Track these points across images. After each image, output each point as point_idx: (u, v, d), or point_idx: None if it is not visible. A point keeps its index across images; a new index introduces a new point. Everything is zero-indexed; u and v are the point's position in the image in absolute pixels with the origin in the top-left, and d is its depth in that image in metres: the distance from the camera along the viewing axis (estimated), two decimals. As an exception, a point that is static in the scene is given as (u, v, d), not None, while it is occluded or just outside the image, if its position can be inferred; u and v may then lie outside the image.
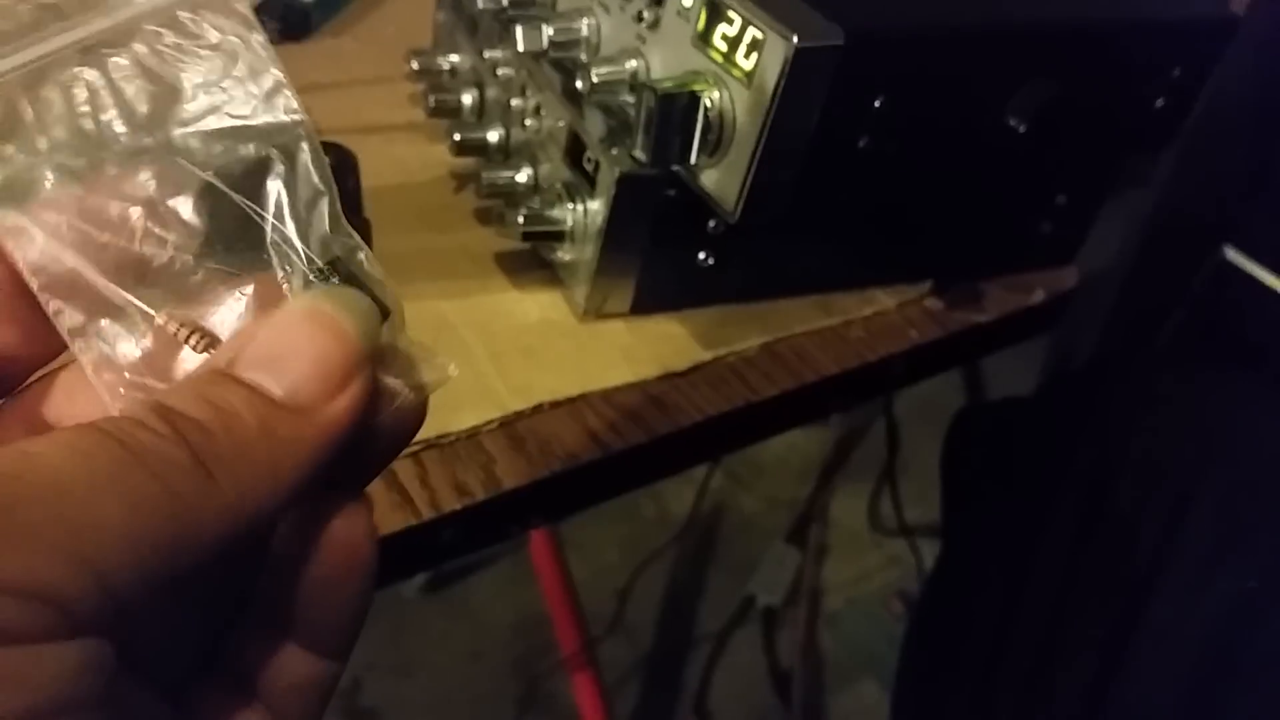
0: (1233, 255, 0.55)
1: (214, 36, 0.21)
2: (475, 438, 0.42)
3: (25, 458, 0.16)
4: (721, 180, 0.40)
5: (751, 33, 0.37)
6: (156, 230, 0.20)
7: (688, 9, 0.40)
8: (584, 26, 0.46)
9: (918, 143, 0.43)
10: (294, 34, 0.63)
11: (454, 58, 0.56)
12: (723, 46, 0.39)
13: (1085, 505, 0.55)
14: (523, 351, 0.46)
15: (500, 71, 0.52)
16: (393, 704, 1.14)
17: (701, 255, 0.48)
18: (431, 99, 0.54)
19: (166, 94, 0.20)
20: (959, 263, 0.55)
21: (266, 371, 0.18)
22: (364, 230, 0.45)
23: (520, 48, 0.46)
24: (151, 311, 0.20)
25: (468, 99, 0.54)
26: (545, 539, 1.06)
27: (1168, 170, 0.54)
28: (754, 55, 0.37)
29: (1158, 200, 0.55)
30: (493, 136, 0.51)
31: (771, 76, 0.37)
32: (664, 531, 1.32)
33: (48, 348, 0.21)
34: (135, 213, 0.20)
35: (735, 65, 0.38)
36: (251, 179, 0.20)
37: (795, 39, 0.36)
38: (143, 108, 0.20)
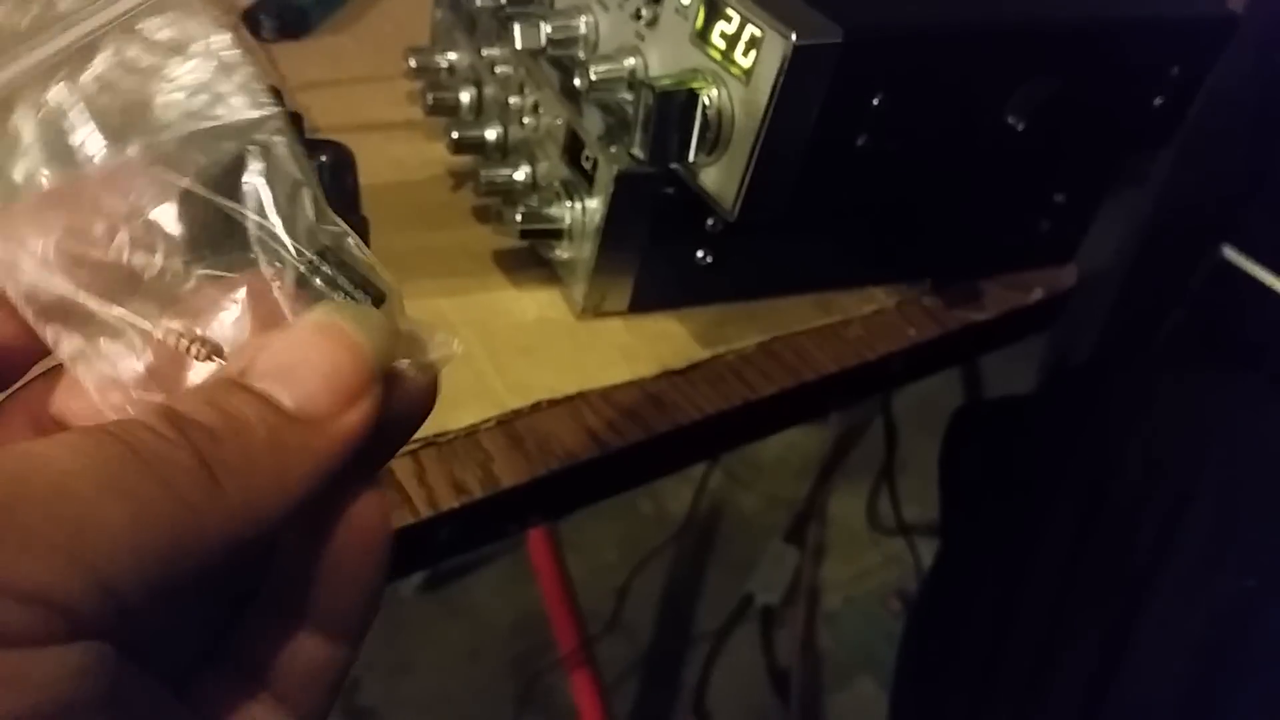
0: (1231, 254, 0.55)
1: (178, 41, 0.21)
2: (473, 436, 0.42)
3: (30, 459, 0.16)
4: (720, 178, 0.40)
5: (750, 30, 0.37)
6: (143, 243, 0.20)
7: (686, 7, 0.40)
8: (582, 24, 0.46)
9: (916, 141, 0.43)
10: (292, 32, 0.63)
11: (452, 55, 0.56)
12: (721, 44, 0.39)
13: (1084, 504, 0.55)
14: (521, 350, 0.46)
15: (498, 69, 0.52)
16: (391, 703, 1.14)
17: (700, 253, 0.48)
18: (429, 97, 0.54)
19: (137, 105, 0.20)
20: (958, 261, 0.55)
21: (278, 381, 0.18)
22: (362, 228, 0.45)
23: (518, 45, 0.46)
24: (148, 326, 0.20)
25: (466, 97, 0.54)
26: (543, 537, 1.06)
27: (1166, 169, 0.54)
28: (752, 53, 0.37)
29: (1157, 199, 0.55)
30: (491, 134, 0.51)
31: (770, 74, 0.37)
32: (662, 530, 1.32)
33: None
34: (120, 228, 0.20)
35: (734, 63, 0.38)
36: (231, 178, 0.20)
37: (794, 37, 0.36)
38: (115, 121, 0.20)
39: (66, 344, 0.20)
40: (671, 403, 0.45)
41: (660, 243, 0.46)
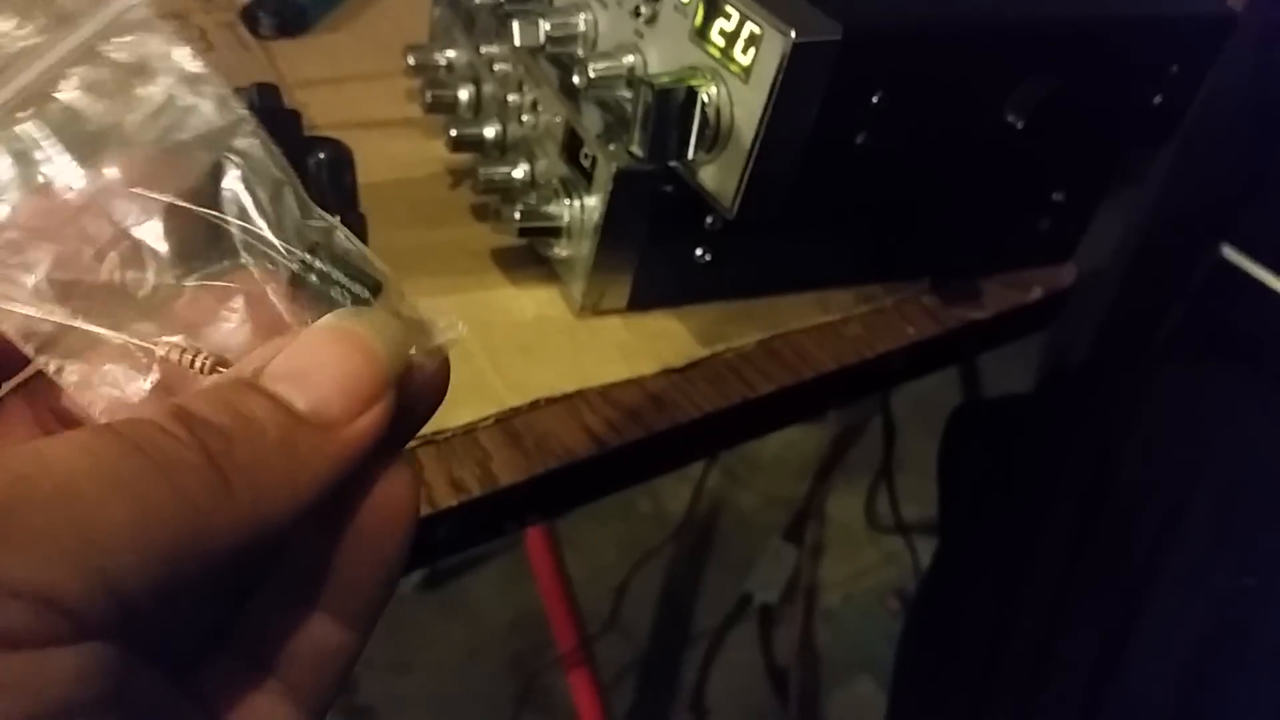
0: (1230, 253, 0.55)
1: (141, 61, 0.21)
2: (472, 434, 0.42)
3: (38, 459, 0.16)
4: (719, 176, 0.40)
5: (749, 28, 0.37)
6: (133, 263, 0.20)
7: (685, 4, 0.40)
8: (581, 21, 0.46)
9: (916, 139, 0.43)
10: (290, 30, 0.63)
11: (451, 53, 0.56)
12: (720, 41, 0.39)
13: (1082, 502, 0.55)
14: (520, 348, 0.46)
15: (497, 67, 0.51)
16: (390, 701, 1.14)
17: (699, 251, 0.48)
18: (428, 94, 0.54)
19: (109, 129, 0.20)
20: (957, 260, 0.55)
21: (292, 384, 0.18)
22: (360, 226, 0.44)
23: (517, 43, 0.46)
24: (149, 345, 0.20)
25: (464, 94, 0.53)
26: (542, 536, 1.06)
27: (1165, 168, 0.54)
28: (752, 50, 0.37)
29: (1155, 198, 0.55)
30: (489, 132, 0.51)
31: (769, 72, 0.37)
32: (661, 529, 1.32)
33: None
34: (108, 251, 0.20)
35: (733, 60, 0.38)
36: (211, 188, 0.20)
37: (793, 34, 0.36)
38: (88, 147, 0.20)
39: (69, 373, 0.20)
40: (670, 401, 0.45)
41: (659, 241, 0.46)
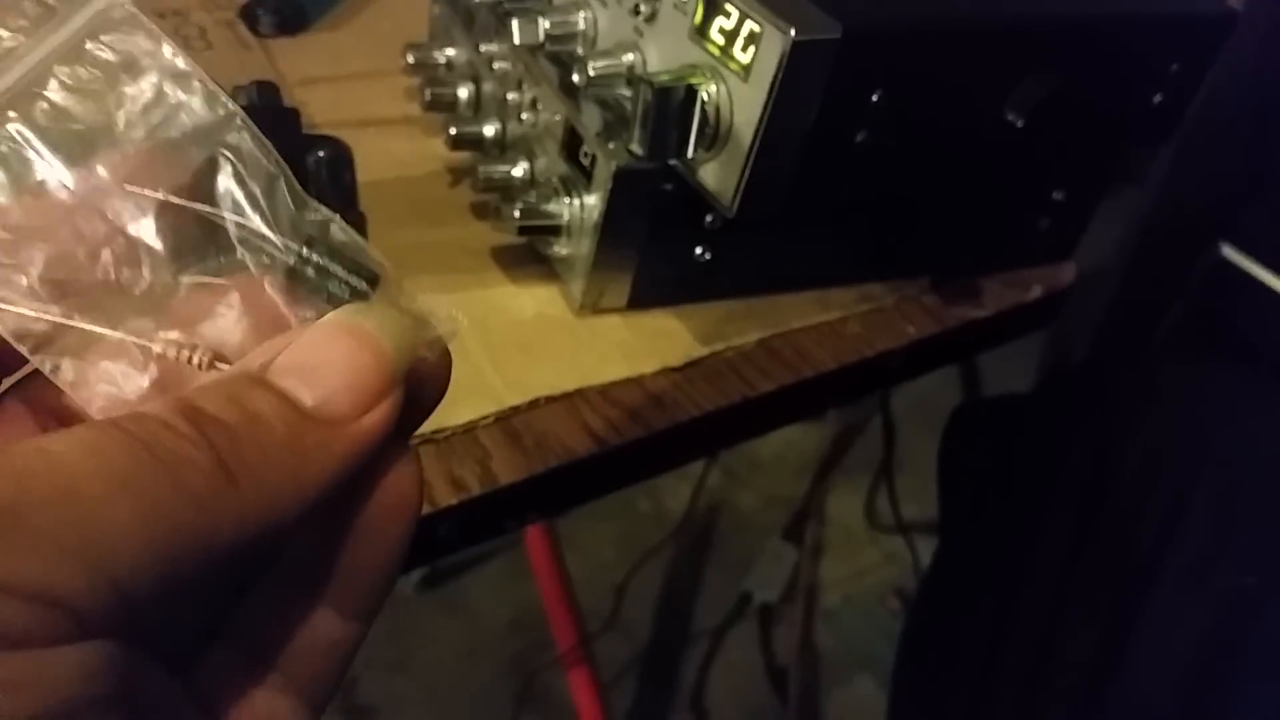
0: (1230, 253, 0.55)
1: (127, 59, 0.20)
2: (471, 433, 0.42)
3: (41, 456, 0.16)
4: (719, 174, 0.40)
5: (749, 26, 0.37)
6: (128, 260, 0.20)
7: (684, 2, 0.40)
8: (580, 20, 0.46)
9: (916, 137, 0.43)
10: (290, 28, 0.63)
11: (450, 51, 0.56)
12: (720, 40, 0.38)
13: (1082, 501, 0.55)
14: (519, 346, 0.46)
15: (496, 65, 0.51)
16: (389, 701, 1.14)
17: (699, 250, 0.48)
18: (427, 93, 0.54)
19: (98, 129, 0.20)
20: (957, 258, 0.55)
21: (300, 380, 0.18)
22: (360, 224, 0.44)
23: (516, 41, 0.46)
24: (147, 343, 0.20)
25: (464, 93, 0.53)
26: (542, 535, 1.06)
27: (1165, 167, 0.54)
28: (751, 48, 0.37)
29: (1155, 197, 0.55)
30: (489, 130, 0.51)
31: (769, 70, 0.37)
32: (661, 528, 1.32)
33: None
34: (103, 249, 0.20)
35: (732, 58, 0.38)
36: (205, 184, 0.20)
37: (793, 32, 0.36)
38: (78, 147, 0.20)
39: (66, 371, 0.20)
40: (670, 400, 0.45)
41: (659, 239, 0.46)
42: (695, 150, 0.40)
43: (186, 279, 0.20)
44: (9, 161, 0.20)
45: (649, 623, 1.26)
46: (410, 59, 0.56)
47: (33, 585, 0.15)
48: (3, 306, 0.19)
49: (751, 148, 0.38)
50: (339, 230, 0.21)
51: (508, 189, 0.49)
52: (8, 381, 0.21)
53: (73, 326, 0.20)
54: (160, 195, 0.20)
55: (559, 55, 0.48)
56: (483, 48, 0.52)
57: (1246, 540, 0.50)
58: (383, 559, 0.20)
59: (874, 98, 0.40)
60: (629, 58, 0.43)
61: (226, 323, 0.20)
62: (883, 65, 0.39)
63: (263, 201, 0.20)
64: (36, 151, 0.20)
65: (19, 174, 0.20)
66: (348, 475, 0.19)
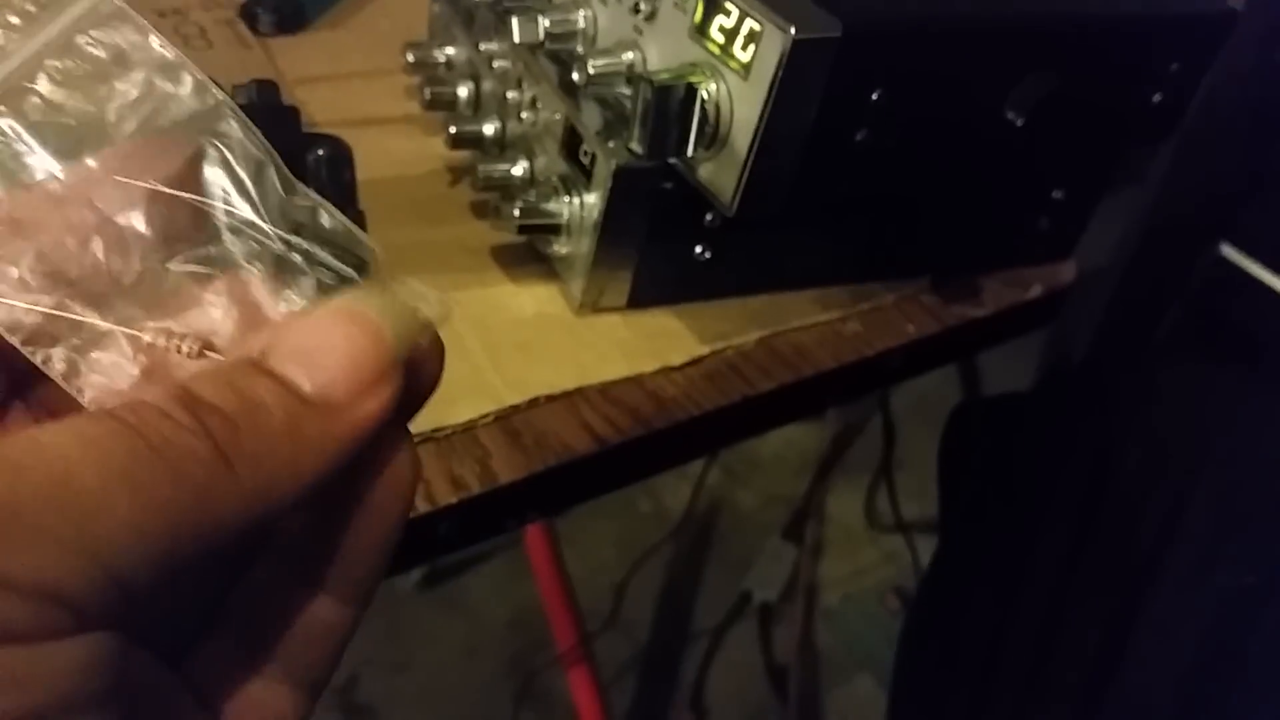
0: (1229, 252, 0.55)
1: (117, 52, 0.21)
2: (471, 431, 0.42)
3: (35, 447, 0.16)
4: (718, 173, 0.40)
5: (749, 24, 0.37)
6: (117, 250, 0.20)
7: (684, 1, 0.40)
8: (580, 18, 0.46)
9: (916, 136, 0.43)
10: (289, 27, 0.63)
11: (450, 50, 0.55)
12: (720, 38, 0.38)
13: (1082, 501, 0.55)
14: (519, 345, 0.46)
15: (496, 64, 0.51)
16: (389, 700, 1.14)
17: (698, 249, 0.48)
18: (427, 92, 0.53)
19: (89, 121, 0.20)
20: (956, 257, 0.55)
21: (299, 366, 0.18)
22: (360, 223, 0.44)
23: (516, 40, 0.46)
24: (137, 333, 0.20)
25: (463, 91, 0.53)
26: (541, 534, 1.06)
27: (1165, 166, 0.54)
28: (751, 47, 0.37)
29: (1155, 196, 0.55)
30: (489, 129, 0.51)
31: (769, 68, 0.37)
32: (660, 527, 1.32)
33: None
34: (92, 239, 0.20)
35: (732, 57, 0.38)
36: (193, 173, 0.20)
37: (793, 31, 0.36)
38: (69, 140, 0.20)
39: (57, 362, 0.20)
40: (670, 399, 0.45)
41: (659, 238, 0.46)
42: (695, 149, 0.40)
43: (176, 268, 0.20)
44: (1, 155, 0.20)
45: (649, 622, 1.26)
46: (410, 57, 0.56)
47: (29, 579, 0.15)
48: None
49: (751, 146, 0.38)
50: (328, 216, 0.21)
51: (507, 188, 0.49)
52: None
53: (63, 318, 0.20)
54: (149, 185, 0.20)
55: (559, 54, 0.48)
56: (482, 46, 0.52)
57: (1246, 539, 0.50)
58: (378, 542, 0.20)
59: (874, 96, 0.40)
60: (629, 56, 0.43)
61: (215, 311, 0.20)
62: (883, 64, 0.39)
63: (251, 189, 0.20)
64: (27, 145, 0.20)
65: (10, 168, 0.20)
66: (347, 460, 0.18)
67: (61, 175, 0.20)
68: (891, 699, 0.72)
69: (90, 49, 0.20)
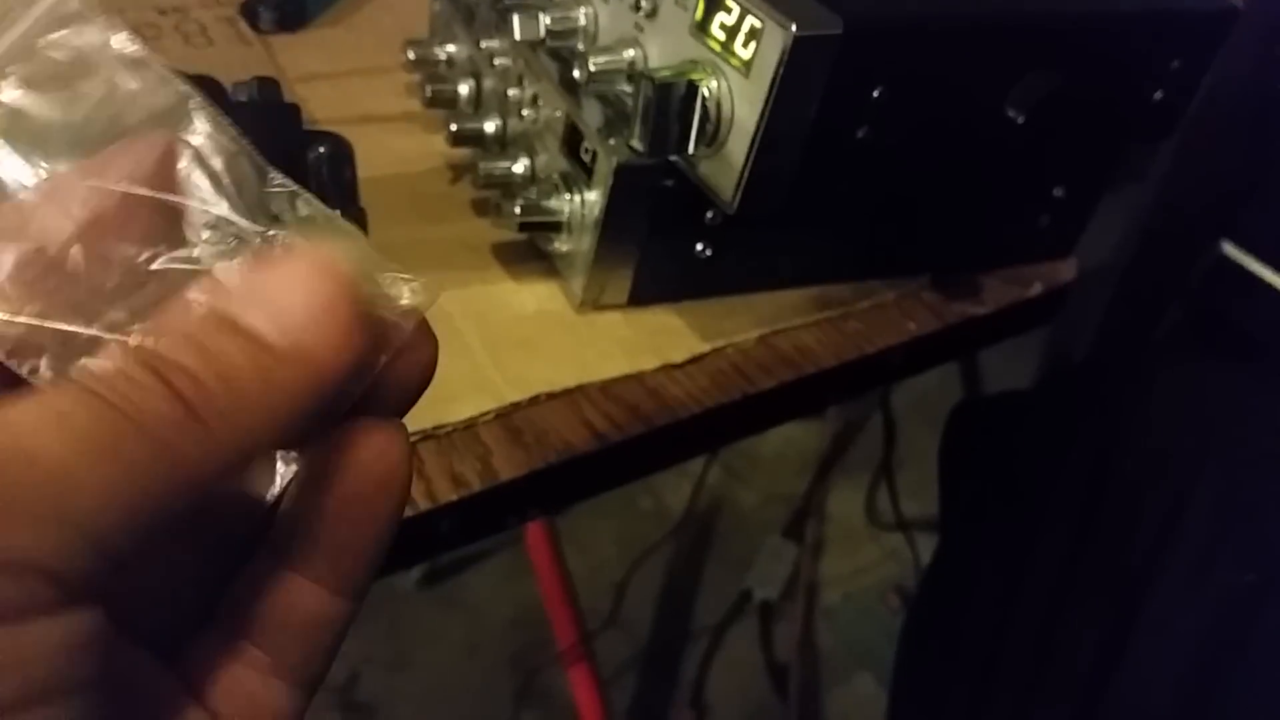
0: (1230, 250, 0.55)
1: (80, 53, 0.20)
2: (472, 429, 0.42)
3: (3, 425, 0.16)
4: (719, 170, 0.40)
5: (750, 22, 0.37)
6: (97, 254, 0.20)
7: (686, -2, 0.40)
8: (581, 15, 0.46)
9: (916, 134, 0.43)
10: (290, 24, 0.63)
11: (451, 48, 0.55)
12: (721, 35, 0.38)
13: (1083, 499, 0.55)
14: (520, 343, 0.46)
15: (497, 61, 0.51)
16: (389, 698, 1.14)
17: (699, 246, 0.48)
18: (428, 89, 0.53)
19: (57, 126, 0.20)
20: (957, 255, 0.55)
21: (265, 316, 0.18)
22: (360, 220, 0.44)
23: (517, 37, 0.46)
24: (123, 337, 0.20)
25: (464, 89, 0.53)
26: (542, 532, 1.06)
27: (1166, 164, 0.54)
28: (752, 44, 0.37)
29: (1156, 194, 0.55)
30: (489, 127, 0.51)
31: (770, 66, 0.37)
32: (661, 525, 1.32)
33: None
34: (71, 245, 0.20)
35: (733, 54, 0.38)
36: (167, 168, 0.20)
37: (794, 28, 0.36)
38: (38, 146, 0.20)
39: (44, 371, 0.20)
40: (670, 396, 0.45)
41: (659, 236, 0.46)
42: (696, 146, 0.40)
43: (158, 266, 0.20)
44: None
45: (649, 620, 1.26)
46: (411, 55, 0.56)
47: (11, 554, 0.14)
48: None
49: (752, 144, 0.38)
50: (304, 204, 0.21)
51: (508, 185, 0.49)
52: None
53: (49, 327, 0.20)
54: (123, 187, 0.20)
55: (560, 51, 0.48)
56: (483, 44, 0.52)
57: (1247, 537, 0.50)
58: (373, 533, 0.20)
59: (875, 94, 0.40)
60: (630, 53, 0.43)
61: (199, 310, 0.20)
62: (884, 61, 0.39)
63: (226, 180, 0.20)
64: None
65: None
66: (321, 408, 0.18)
67: (31, 183, 0.20)
68: (892, 697, 0.72)
69: (51, 53, 0.20)
